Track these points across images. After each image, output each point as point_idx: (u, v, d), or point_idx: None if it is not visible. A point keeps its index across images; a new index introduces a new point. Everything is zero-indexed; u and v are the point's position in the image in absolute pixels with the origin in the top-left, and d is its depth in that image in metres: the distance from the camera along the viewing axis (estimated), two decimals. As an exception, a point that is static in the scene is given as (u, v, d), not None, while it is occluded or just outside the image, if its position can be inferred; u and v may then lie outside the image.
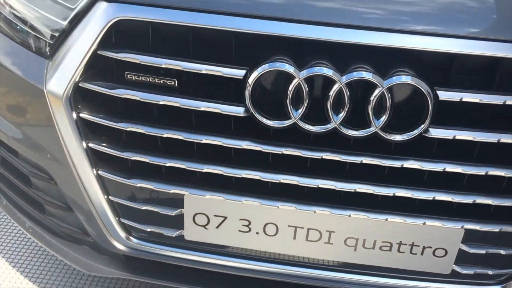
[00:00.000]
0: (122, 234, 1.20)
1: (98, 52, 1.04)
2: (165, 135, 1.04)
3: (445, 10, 0.96)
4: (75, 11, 1.09)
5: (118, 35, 1.04)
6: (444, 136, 0.97)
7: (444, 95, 0.94)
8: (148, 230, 1.17)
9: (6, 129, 1.22)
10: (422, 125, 0.95)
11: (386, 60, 0.96)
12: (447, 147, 1.00)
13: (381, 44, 0.94)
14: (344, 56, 0.97)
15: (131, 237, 1.21)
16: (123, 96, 1.03)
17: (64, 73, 1.06)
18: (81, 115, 1.08)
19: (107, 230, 1.20)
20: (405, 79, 0.93)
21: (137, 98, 1.03)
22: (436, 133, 0.97)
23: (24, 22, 1.16)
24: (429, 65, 0.96)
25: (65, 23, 1.11)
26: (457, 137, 0.97)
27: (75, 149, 1.11)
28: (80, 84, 1.06)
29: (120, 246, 1.22)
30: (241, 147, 1.03)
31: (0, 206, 1.44)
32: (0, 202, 1.45)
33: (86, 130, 1.10)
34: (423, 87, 0.93)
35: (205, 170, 1.06)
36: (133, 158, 1.08)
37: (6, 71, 1.16)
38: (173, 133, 1.04)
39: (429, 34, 0.94)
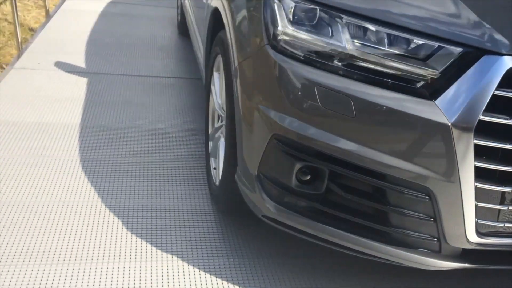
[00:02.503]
0: (476, 233, 1.53)
1: (495, 92, 1.38)
2: None
3: None
4: (452, 61, 1.42)
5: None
6: None
7: None
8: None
9: (381, 158, 1.49)
10: None
11: None
12: None
13: None
14: None
15: (482, 235, 1.54)
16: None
17: (469, 112, 1.39)
18: (476, 141, 1.41)
19: (465, 231, 1.52)
20: None
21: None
22: None
23: (397, 76, 1.46)
24: None
25: (441, 68, 1.43)
26: None
27: (466, 169, 1.43)
28: (480, 118, 1.39)
29: (473, 243, 1.54)
30: None
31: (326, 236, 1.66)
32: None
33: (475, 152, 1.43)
34: None
35: None
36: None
37: (367, 104, 1.46)
38: None
39: None
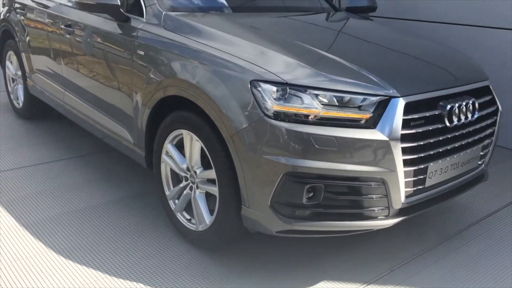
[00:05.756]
0: (404, 197, 2.64)
1: (403, 117, 2.52)
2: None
3: None
4: (376, 105, 2.53)
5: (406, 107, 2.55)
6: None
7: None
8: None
9: (356, 168, 2.47)
10: None
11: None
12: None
13: None
14: None
15: (407, 197, 2.65)
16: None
17: (395, 130, 2.49)
18: (401, 145, 2.52)
19: (400, 197, 2.61)
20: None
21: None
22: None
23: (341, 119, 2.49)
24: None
25: (371, 110, 2.52)
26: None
27: (399, 160, 2.53)
28: (401, 132, 2.50)
29: (404, 203, 2.64)
30: None
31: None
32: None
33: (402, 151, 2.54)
34: None
35: None
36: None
37: (344, 139, 2.45)
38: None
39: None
